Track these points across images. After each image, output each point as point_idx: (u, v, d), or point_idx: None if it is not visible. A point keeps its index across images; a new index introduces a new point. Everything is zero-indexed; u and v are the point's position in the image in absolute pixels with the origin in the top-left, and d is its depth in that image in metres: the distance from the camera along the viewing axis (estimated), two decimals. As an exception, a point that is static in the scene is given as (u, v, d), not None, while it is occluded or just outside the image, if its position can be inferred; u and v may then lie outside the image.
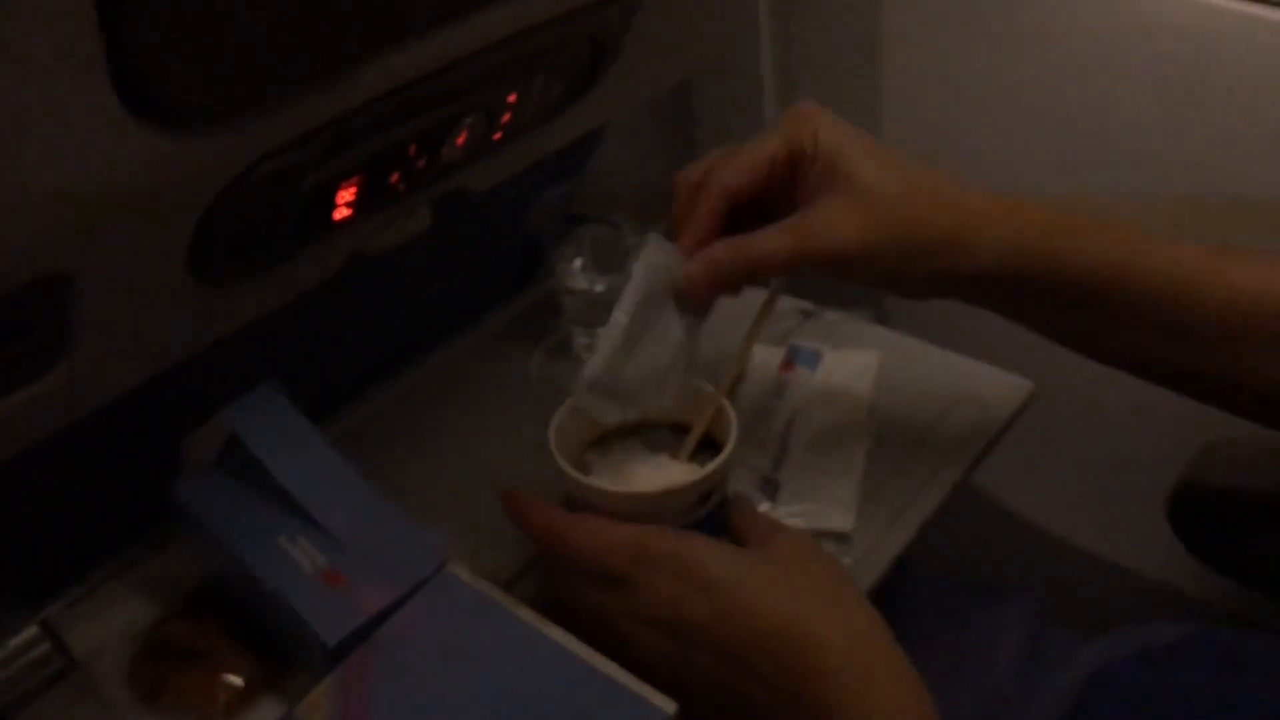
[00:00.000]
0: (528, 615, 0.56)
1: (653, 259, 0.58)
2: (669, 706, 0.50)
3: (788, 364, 0.78)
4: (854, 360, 0.78)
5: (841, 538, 0.66)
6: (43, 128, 0.36)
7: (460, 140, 0.56)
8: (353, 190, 0.52)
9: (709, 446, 0.59)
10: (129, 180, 0.40)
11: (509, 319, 0.88)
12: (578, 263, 0.80)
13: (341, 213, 0.53)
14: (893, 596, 0.70)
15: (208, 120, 0.42)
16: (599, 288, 0.79)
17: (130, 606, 0.63)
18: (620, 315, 0.57)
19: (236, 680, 0.58)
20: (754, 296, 0.64)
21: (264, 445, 0.61)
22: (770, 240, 0.57)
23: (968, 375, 0.77)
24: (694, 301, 0.59)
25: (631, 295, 0.57)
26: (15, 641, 0.59)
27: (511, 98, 0.57)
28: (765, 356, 0.78)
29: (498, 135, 0.59)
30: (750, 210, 0.59)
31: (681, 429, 0.61)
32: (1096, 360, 0.61)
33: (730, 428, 0.57)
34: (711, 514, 0.57)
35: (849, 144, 0.58)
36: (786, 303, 0.86)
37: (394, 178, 0.54)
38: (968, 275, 0.57)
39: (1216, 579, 0.81)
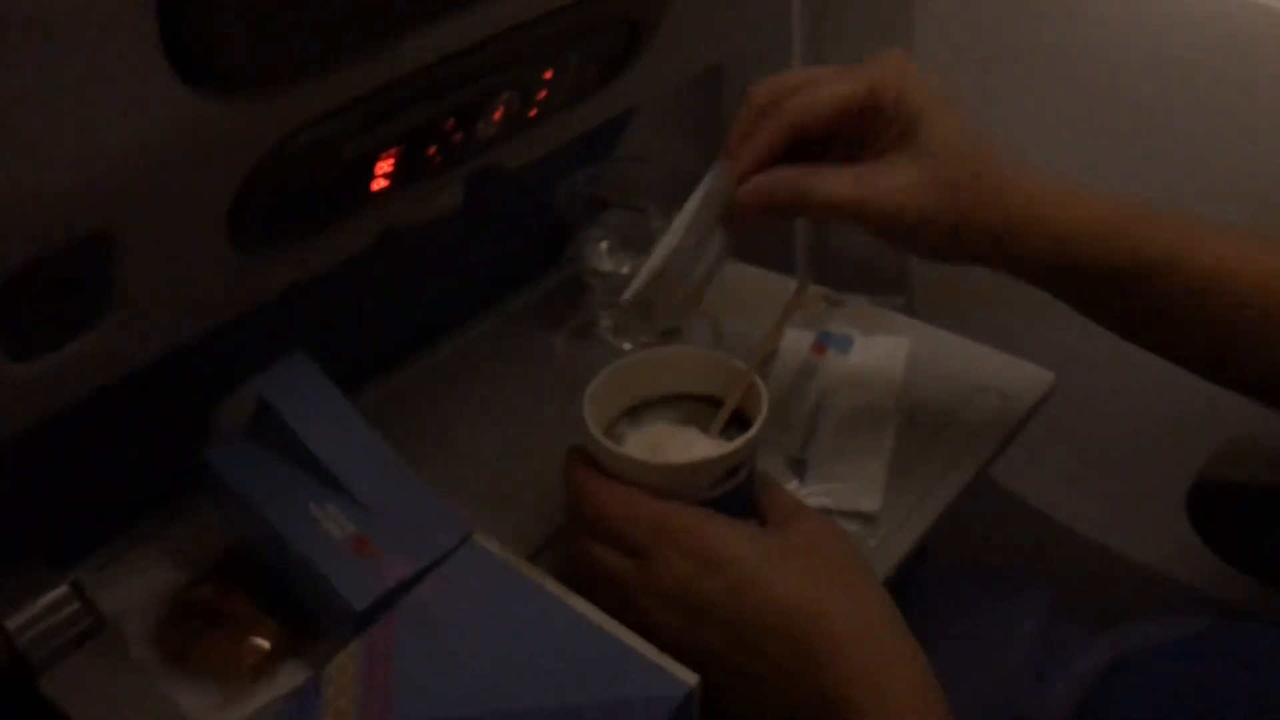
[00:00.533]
0: (553, 585, 0.56)
1: (714, 185, 0.58)
2: (691, 679, 0.51)
3: (819, 348, 0.78)
4: (884, 345, 0.78)
5: (868, 518, 0.67)
6: (93, 87, 0.37)
7: (497, 116, 0.56)
8: (390, 162, 0.52)
9: (739, 422, 0.59)
10: (174, 142, 0.41)
11: (535, 299, 0.89)
12: (604, 245, 0.81)
13: (379, 184, 0.53)
14: (909, 585, 0.70)
15: (253, 87, 0.42)
16: (625, 270, 0.79)
17: (158, 570, 0.64)
18: (671, 237, 0.58)
19: (263, 643, 0.59)
20: (786, 282, 0.64)
21: (295, 413, 0.61)
22: (835, 182, 0.57)
23: (990, 365, 0.78)
24: (740, 220, 0.59)
25: (685, 218, 0.58)
26: (45, 600, 0.60)
27: (548, 75, 0.58)
28: (796, 339, 0.79)
29: (533, 112, 0.59)
30: (809, 141, 0.59)
31: (714, 403, 0.61)
32: (1141, 347, 0.61)
33: (761, 404, 0.58)
34: (738, 489, 0.58)
35: (931, 110, 0.57)
36: (813, 290, 0.86)
37: (431, 151, 0.54)
38: (1016, 259, 0.58)
39: (1234, 575, 0.81)
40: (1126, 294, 0.58)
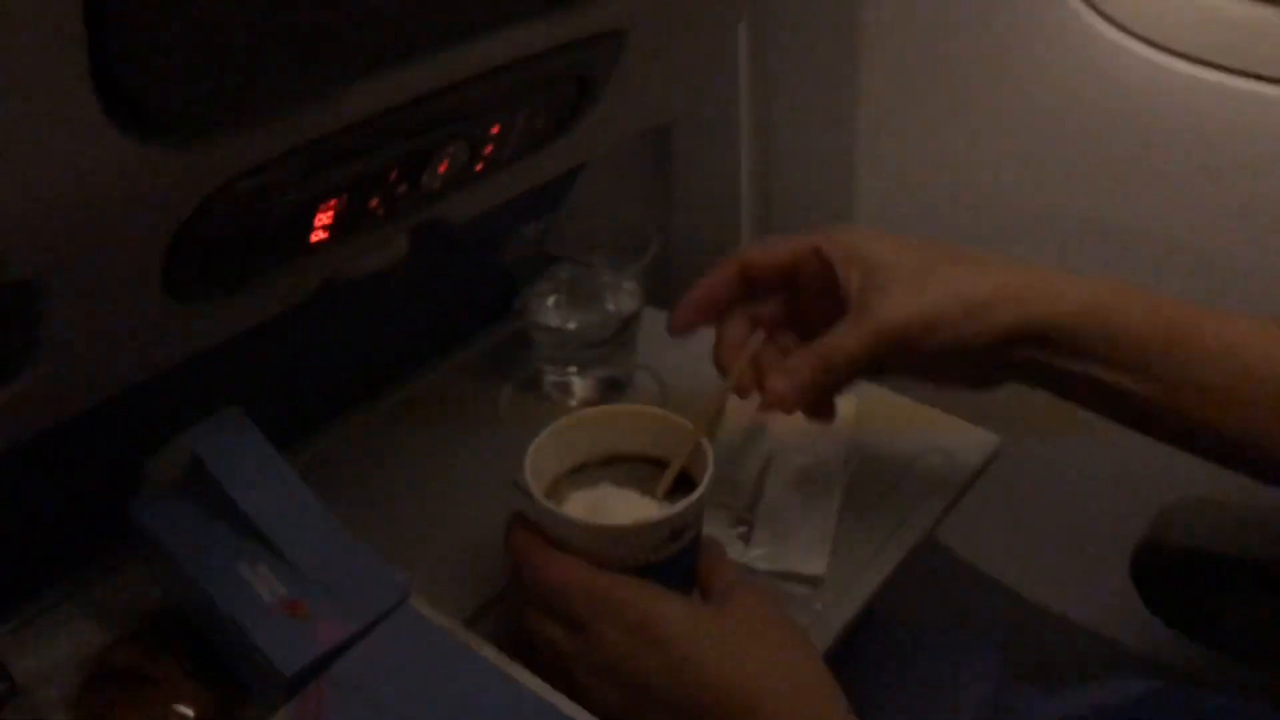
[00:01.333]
0: (489, 652, 0.55)
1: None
2: (630, 751, 0.50)
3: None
4: None
5: (813, 581, 0.66)
6: (21, 130, 0.36)
7: (442, 168, 0.56)
8: (331, 213, 0.51)
9: (685, 484, 0.58)
10: (106, 189, 0.40)
11: (480, 353, 0.88)
12: (551, 300, 0.80)
13: (319, 235, 0.52)
14: (857, 647, 0.70)
15: (189, 133, 0.41)
16: (571, 325, 0.79)
17: (79, 631, 0.62)
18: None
19: (187, 711, 0.56)
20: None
21: (227, 469, 0.60)
22: (838, 336, 0.58)
23: (936, 427, 0.78)
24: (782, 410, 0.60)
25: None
26: (-44, 665, 0.58)
27: (495, 129, 0.57)
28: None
29: (479, 166, 0.59)
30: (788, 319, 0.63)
31: (659, 464, 0.60)
32: (1165, 440, 0.59)
33: (707, 465, 0.57)
34: (683, 553, 0.57)
35: (885, 240, 0.59)
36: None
37: (373, 202, 0.53)
38: (1027, 332, 0.57)
39: (1179, 638, 0.81)
40: (1140, 366, 0.57)
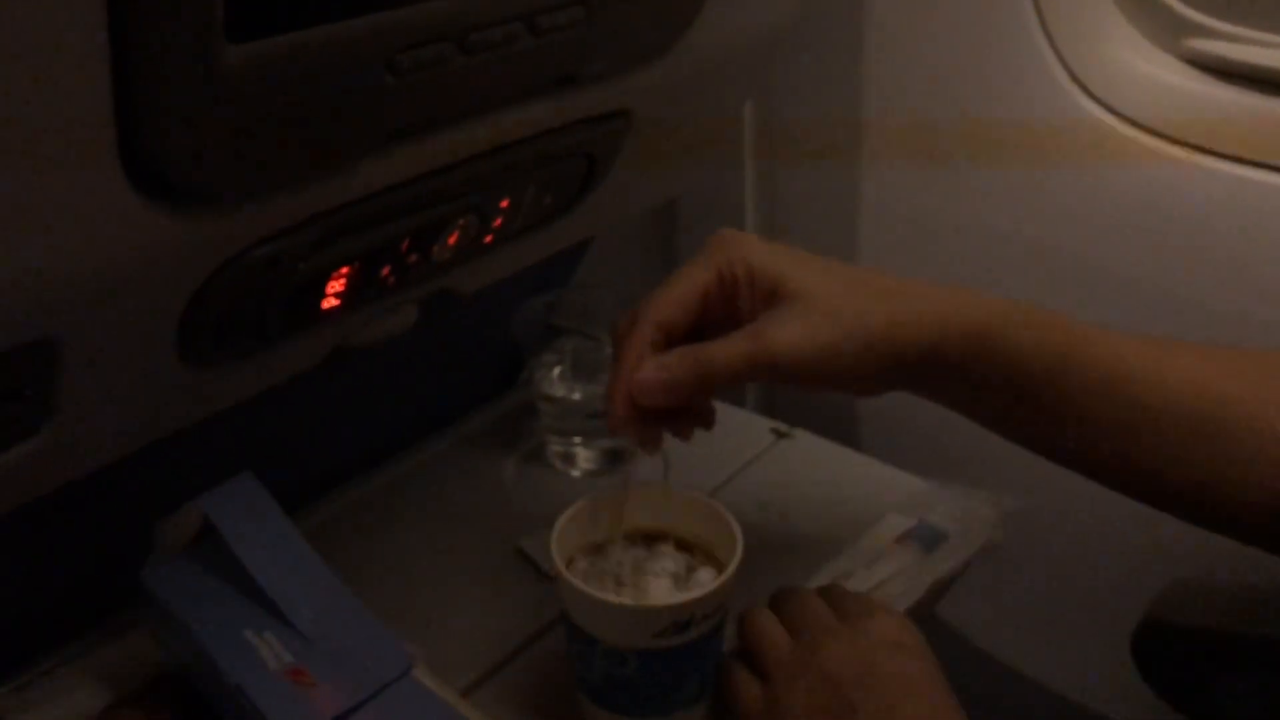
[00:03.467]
0: (486, 728, 0.56)
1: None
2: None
3: (904, 538, 0.74)
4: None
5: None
6: (45, 193, 0.37)
7: (452, 240, 0.57)
8: (343, 281, 0.53)
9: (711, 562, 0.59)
10: (125, 253, 0.41)
11: (486, 423, 0.88)
12: (557, 371, 0.81)
13: (330, 302, 0.53)
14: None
15: (209, 202, 0.43)
16: (576, 395, 0.80)
17: (83, 692, 0.62)
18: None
19: (185, 773, 0.57)
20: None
21: (239, 535, 0.60)
22: (725, 346, 0.57)
23: (937, 505, 0.78)
24: (642, 411, 0.58)
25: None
26: (-42, 724, 0.58)
27: (504, 203, 0.59)
28: (892, 523, 0.75)
29: (489, 238, 0.60)
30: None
31: (685, 545, 0.61)
32: (1042, 456, 0.61)
33: (735, 548, 0.57)
34: (698, 642, 0.57)
35: (784, 259, 0.58)
36: (760, 422, 0.87)
37: (385, 271, 0.55)
38: (916, 358, 0.57)
39: (1181, 720, 0.81)
40: (1027, 394, 0.57)
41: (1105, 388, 0.56)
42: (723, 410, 0.88)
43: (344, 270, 0.52)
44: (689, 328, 0.59)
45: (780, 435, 0.85)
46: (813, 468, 0.82)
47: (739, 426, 0.86)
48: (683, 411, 0.60)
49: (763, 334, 0.57)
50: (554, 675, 0.63)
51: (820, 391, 0.60)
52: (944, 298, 0.58)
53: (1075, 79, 0.82)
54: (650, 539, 0.62)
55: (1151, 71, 0.80)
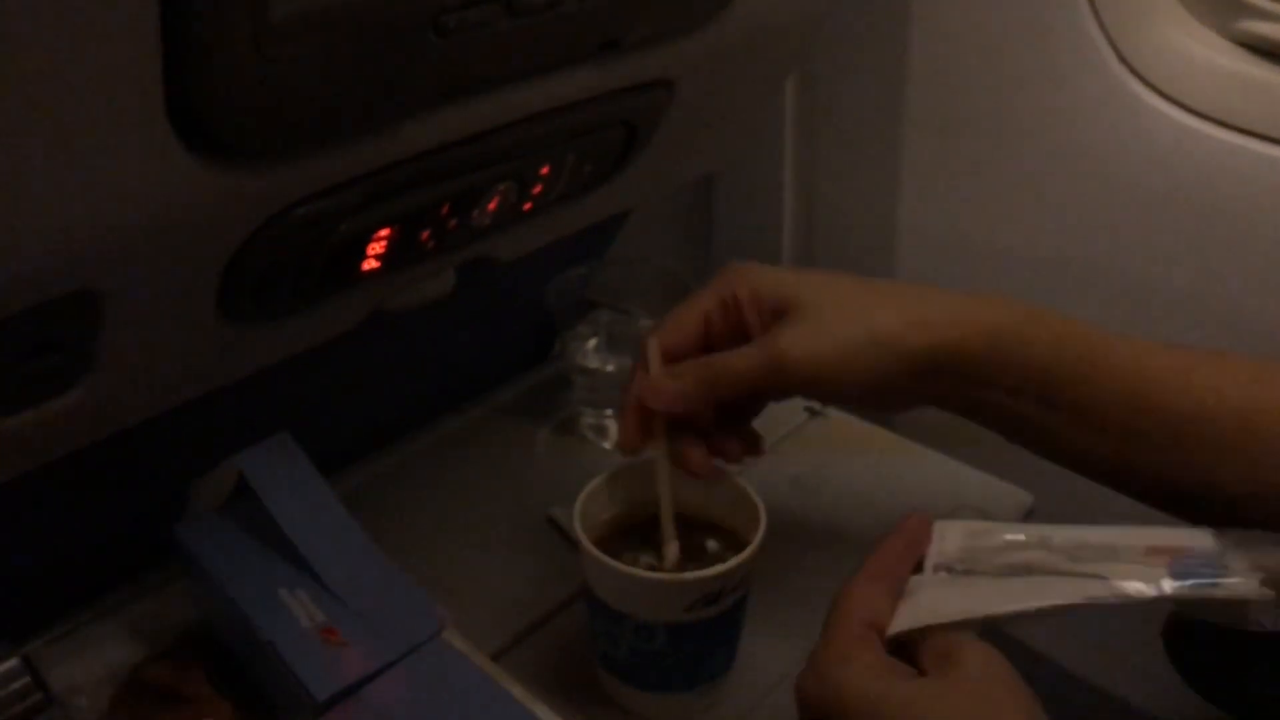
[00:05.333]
0: (517, 690, 0.56)
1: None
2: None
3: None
4: None
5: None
6: (94, 147, 0.37)
7: (492, 205, 0.57)
8: (383, 243, 0.53)
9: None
10: (170, 207, 0.41)
11: (519, 394, 0.89)
12: (591, 343, 0.81)
13: (370, 264, 0.54)
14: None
15: (254, 158, 0.43)
16: (609, 368, 0.80)
17: (115, 646, 0.63)
18: None
19: (215, 727, 0.57)
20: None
21: (273, 494, 0.61)
22: (740, 356, 0.57)
23: (967, 483, 0.78)
24: (653, 420, 0.58)
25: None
26: (-5, 672, 0.59)
27: (544, 170, 0.59)
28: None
29: (527, 205, 0.60)
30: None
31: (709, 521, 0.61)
32: (1063, 465, 0.60)
33: (759, 524, 0.57)
34: (721, 616, 0.57)
35: (789, 276, 0.58)
36: (792, 401, 0.87)
37: (424, 235, 0.55)
38: (930, 361, 0.56)
39: (1215, 714, 0.80)
40: (1048, 399, 0.56)
41: (1128, 395, 0.55)
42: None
43: (384, 232, 0.52)
44: (695, 351, 0.59)
45: (813, 413, 0.85)
46: (844, 445, 0.82)
47: (772, 404, 0.86)
48: (728, 435, 0.60)
49: (773, 342, 0.56)
50: (582, 642, 0.63)
51: (836, 403, 0.59)
52: (962, 300, 0.57)
53: (1124, 61, 0.81)
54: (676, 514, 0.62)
55: (1202, 54, 0.79)
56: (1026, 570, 0.52)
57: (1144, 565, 0.51)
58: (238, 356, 0.55)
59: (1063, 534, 0.53)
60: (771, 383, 0.57)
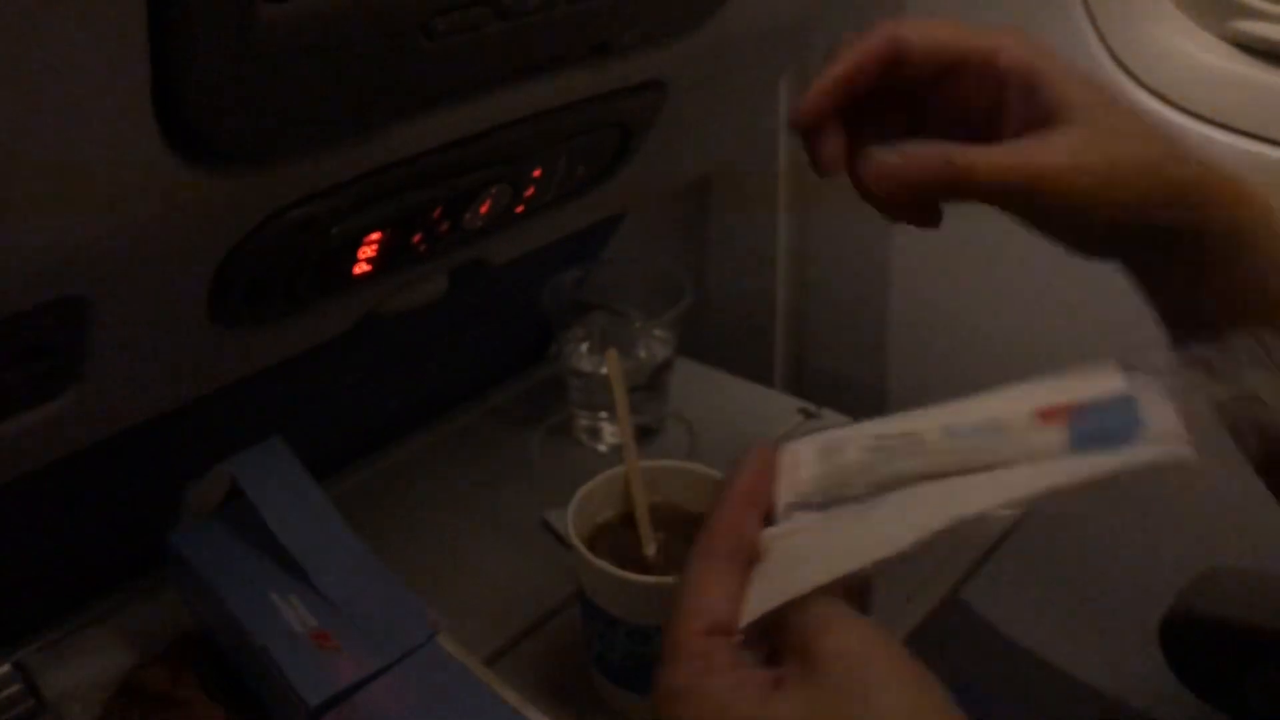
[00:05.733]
0: (510, 696, 0.56)
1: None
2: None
3: None
4: None
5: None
6: (82, 151, 0.37)
7: (484, 208, 0.57)
8: (375, 246, 0.53)
9: None
10: (160, 211, 0.41)
11: (514, 396, 0.89)
12: (585, 346, 0.81)
13: (362, 267, 0.53)
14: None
15: (243, 162, 0.43)
16: (604, 371, 0.79)
17: (109, 652, 0.62)
18: None
19: (209, 732, 0.57)
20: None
21: (267, 499, 0.61)
22: (993, 151, 0.46)
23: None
24: (879, 199, 0.48)
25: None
26: (-13, 679, 0.59)
27: (537, 173, 0.59)
28: None
29: (520, 208, 0.60)
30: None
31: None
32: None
33: None
34: None
35: (1064, 74, 0.47)
36: (787, 402, 0.87)
37: (416, 238, 0.55)
38: (1181, 201, 0.46)
39: (1209, 712, 0.80)
40: None
41: None
42: (749, 390, 0.89)
43: (376, 235, 0.52)
44: (921, 81, 0.48)
45: (808, 415, 0.84)
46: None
47: (766, 406, 0.86)
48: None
49: (1037, 150, 0.46)
50: (576, 646, 0.63)
51: (1051, 231, 0.48)
52: (1209, 164, 0.47)
53: (1118, 61, 0.81)
54: (664, 515, 0.61)
55: (1197, 55, 0.79)
56: (898, 482, 0.40)
57: (1037, 435, 0.39)
58: (229, 361, 0.55)
59: (936, 418, 0.41)
60: (1012, 195, 0.46)
